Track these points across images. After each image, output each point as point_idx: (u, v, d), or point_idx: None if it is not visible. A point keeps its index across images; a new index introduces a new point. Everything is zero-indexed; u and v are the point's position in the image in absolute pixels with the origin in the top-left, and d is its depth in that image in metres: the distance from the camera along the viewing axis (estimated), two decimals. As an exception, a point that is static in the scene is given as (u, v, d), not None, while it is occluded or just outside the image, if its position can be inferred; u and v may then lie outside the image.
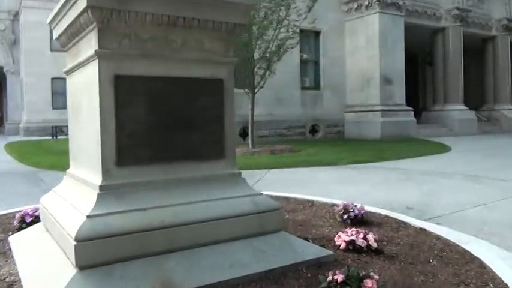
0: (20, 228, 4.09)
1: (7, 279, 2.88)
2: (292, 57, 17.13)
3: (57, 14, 3.26)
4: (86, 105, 3.04)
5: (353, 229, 3.40)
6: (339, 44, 19.72)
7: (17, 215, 4.30)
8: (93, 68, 2.83)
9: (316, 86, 19.45)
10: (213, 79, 3.17)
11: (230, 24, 3.16)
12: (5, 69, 28.02)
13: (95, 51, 2.76)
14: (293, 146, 13.94)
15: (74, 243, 2.53)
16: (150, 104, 2.93)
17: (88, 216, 2.62)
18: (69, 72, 3.45)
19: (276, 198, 5.81)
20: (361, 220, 4.13)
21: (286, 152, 12.54)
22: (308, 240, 3.53)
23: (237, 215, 3.06)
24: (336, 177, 8.45)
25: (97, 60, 2.77)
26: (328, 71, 19.39)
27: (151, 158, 2.94)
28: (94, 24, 2.75)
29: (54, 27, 3.49)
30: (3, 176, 9.18)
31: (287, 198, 5.74)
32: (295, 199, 5.67)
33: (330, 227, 4.04)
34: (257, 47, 12.56)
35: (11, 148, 15.61)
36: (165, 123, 2.99)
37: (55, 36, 3.49)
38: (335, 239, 3.41)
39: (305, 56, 19.09)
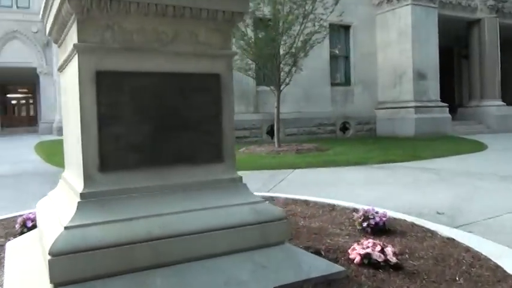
0: (21, 233, 3.93)
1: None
2: (322, 53, 16.65)
3: (45, 8, 3.03)
4: (71, 105, 2.80)
5: (370, 240, 3.02)
6: (370, 39, 19.05)
7: (19, 219, 4.14)
8: (75, 64, 2.58)
9: (347, 82, 18.87)
10: (209, 74, 2.86)
11: (227, 13, 2.84)
12: (38, 71, 28.72)
13: (74, 45, 2.51)
14: (321, 144, 13.50)
15: (49, 257, 2.28)
16: (137, 103, 2.65)
17: (66, 228, 2.37)
18: (60, 69, 3.22)
19: (295, 201, 5.49)
20: (382, 228, 3.74)
21: (313, 151, 12.13)
22: (320, 253, 3.18)
23: (236, 225, 2.74)
24: (362, 178, 8.01)
25: (77, 55, 2.51)
26: (359, 67, 18.77)
27: (138, 162, 2.67)
28: (74, 15, 2.50)
29: (46, 23, 3.27)
30: (25, 176, 9.21)
31: (307, 202, 5.39)
32: (315, 203, 5.31)
33: (347, 236, 3.67)
34: (282, 42, 12.19)
35: (41, 147, 15.86)
36: (154, 124, 2.71)
37: (47, 32, 3.28)
38: (349, 251, 3.04)
39: (337, 51, 18.57)
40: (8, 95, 41.57)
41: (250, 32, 12.52)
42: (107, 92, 2.57)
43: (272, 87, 12.95)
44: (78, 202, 2.48)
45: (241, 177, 2.98)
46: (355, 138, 17.40)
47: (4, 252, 3.46)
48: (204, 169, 2.86)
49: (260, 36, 12.58)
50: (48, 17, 3.11)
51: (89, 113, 2.53)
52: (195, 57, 2.81)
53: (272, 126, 14.73)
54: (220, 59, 2.90)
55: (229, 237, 2.71)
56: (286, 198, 5.55)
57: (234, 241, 2.73)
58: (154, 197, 2.66)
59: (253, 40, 12.35)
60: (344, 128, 18.54)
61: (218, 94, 2.89)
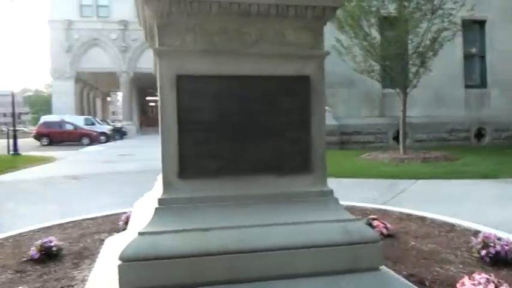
0: (123, 230, 4.11)
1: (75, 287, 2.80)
2: (453, 52, 15.16)
3: (137, 15, 3.08)
4: (159, 109, 2.79)
5: (483, 275, 2.49)
6: (509, 34, 16.75)
7: (123, 216, 4.35)
8: (157, 69, 2.55)
9: (482, 83, 16.91)
10: (297, 76, 2.62)
11: (318, 9, 2.57)
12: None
13: (154, 49, 2.48)
14: (451, 153, 12.24)
15: (119, 262, 2.26)
16: (218, 108, 2.53)
17: (140, 233, 2.33)
18: (154, 74, 3.27)
19: (410, 216, 4.96)
20: (505, 259, 3.10)
21: (440, 159, 11.05)
22: (424, 283, 2.73)
23: (322, 245, 2.45)
24: (492, 194, 6.97)
25: (158, 59, 2.48)
26: (497, 67, 16.65)
27: (219, 170, 2.54)
28: (154, 19, 2.47)
29: (142, 27, 3.35)
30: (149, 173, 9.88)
31: (423, 218, 4.82)
32: (433, 220, 4.72)
33: (461, 265, 3.12)
34: (409, 41, 11.34)
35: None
36: (236, 130, 2.55)
37: (144, 39, 3.35)
38: (458, 286, 2.55)
39: (472, 49, 16.79)
40: (147, 98, 46.31)
41: (374, 32, 11.89)
42: (188, 96, 2.49)
43: (398, 90, 12.14)
44: (156, 208, 2.44)
45: (331, 191, 2.68)
46: (491, 147, 15.47)
47: (101, 248, 3.63)
48: (289, 180, 2.62)
49: (385, 35, 11.89)
50: (140, 24, 3.16)
51: (169, 118, 2.48)
52: (281, 58, 2.60)
53: (399, 132, 13.82)
54: (310, 60, 2.64)
55: (314, 258, 2.44)
56: (401, 213, 5.04)
57: (318, 262, 2.44)
58: (232, 208, 2.50)
59: (377, 40, 11.71)
60: (479, 134, 16.65)
61: (307, 98, 2.63)
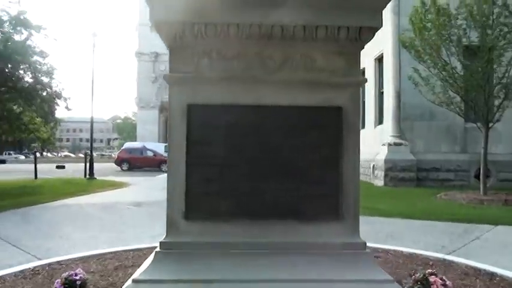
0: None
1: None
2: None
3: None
4: (168, 141, 2.54)
5: None
6: None
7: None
8: (168, 96, 2.32)
9: None
10: (327, 107, 2.26)
11: (352, 30, 2.21)
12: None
13: (163, 76, 2.26)
14: (543, 195, 10.82)
15: (110, 314, 2.00)
16: (233, 142, 2.23)
17: (134, 281, 2.07)
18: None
19: (478, 272, 4.21)
20: None
21: (528, 203, 9.76)
22: None
23: (348, 310, 2.03)
24: None
25: (168, 86, 2.25)
26: None
27: (231, 212, 2.22)
28: (167, 42, 2.26)
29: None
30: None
31: (493, 276, 4.06)
32: (503, 278, 3.96)
33: None
34: (493, 72, 10.36)
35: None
36: (252, 167, 2.23)
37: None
38: None
39: None
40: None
41: (455, 62, 11.06)
42: (199, 127, 2.22)
43: (479, 124, 11.09)
44: (156, 252, 2.17)
45: (364, 243, 2.24)
46: None
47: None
48: (313, 228, 2.23)
49: (466, 65, 11.00)
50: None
51: (178, 150, 2.22)
52: (308, 86, 2.26)
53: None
54: (342, 89, 2.27)
55: (336, 325, 2.01)
56: (468, 266, 4.32)
57: (342, 331, 2.01)
58: (244, 257, 2.16)
59: (457, 70, 10.85)
60: None
61: (338, 133, 2.25)
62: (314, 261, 2.15)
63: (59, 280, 3.41)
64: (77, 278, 3.44)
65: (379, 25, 2.22)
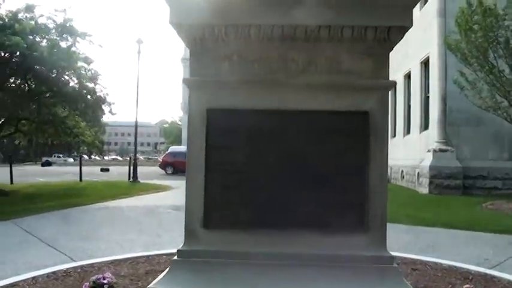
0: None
1: None
2: None
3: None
4: (187, 147, 2.48)
5: None
6: None
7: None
8: (188, 101, 2.26)
9: None
10: (353, 112, 2.13)
11: (380, 30, 2.08)
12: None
13: (183, 80, 2.20)
14: None
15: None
16: (254, 147, 2.14)
17: (150, 290, 2.01)
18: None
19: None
20: None
21: None
22: None
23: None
24: None
25: (189, 91, 2.19)
26: None
27: (251, 221, 2.13)
28: (188, 46, 2.20)
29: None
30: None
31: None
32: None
33: None
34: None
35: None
36: (273, 175, 2.13)
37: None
38: None
39: None
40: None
41: (502, 64, 10.50)
42: (219, 133, 2.15)
43: (529, 130, 10.47)
44: (173, 261, 2.11)
45: (392, 257, 2.09)
46: None
47: None
48: (337, 240, 2.10)
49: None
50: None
51: (197, 156, 2.16)
52: (333, 90, 2.13)
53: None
54: (370, 92, 2.14)
55: None
56: (510, 282, 4.02)
57: None
58: (263, 268, 2.06)
59: (505, 74, 10.29)
60: None
61: (364, 139, 2.12)
62: (336, 275, 2.02)
63: (87, 283, 3.43)
64: (105, 281, 3.45)
65: (409, 24, 2.07)
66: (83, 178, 15.84)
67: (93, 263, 4.44)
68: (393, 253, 2.23)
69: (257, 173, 2.13)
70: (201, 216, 2.13)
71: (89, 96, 11.15)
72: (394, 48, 2.21)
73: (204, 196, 2.13)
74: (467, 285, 3.50)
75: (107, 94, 11.90)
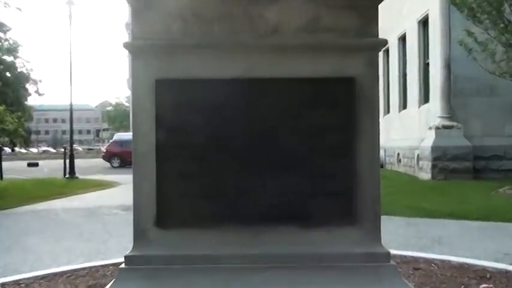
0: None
1: None
2: None
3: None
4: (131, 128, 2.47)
5: None
6: None
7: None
8: (131, 71, 2.25)
9: None
10: (336, 78, 2.16)
11: (367, -23, 2.11)
12: None
13: (124, 44, 2.18)
14: None
15: None
16: (217, 126, 2.16)
17: (92, 307, 2.02)
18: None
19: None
20: None
21: None
22: None
23: None
24: None
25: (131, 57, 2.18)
26: None
27: (216, 216, 2.16)
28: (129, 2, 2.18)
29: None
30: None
31: None
32: None
33: None
34: None
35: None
36: (242, 158, 2.16)
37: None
38: None
39: None
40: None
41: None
42: (172, 109, 2.15)
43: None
44: (119, 269, 2.12)
45: (387, 253, 2.15)
46: None
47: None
48: (321, 234, 2.15)
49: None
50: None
51: (144, 140, 2.15)
52: (311, 52, 2.17)
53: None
54: (355, 54, 2.17)
55: None
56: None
57: None
58: (233, 273, 2.09)
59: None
60: None
61: (350, 110, 2.16)
62: (321, 277, 2.07)
63: (15, 303, 3.40)
64: (36, 301, 3.43)
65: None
66: (3, 176, 15.53)
67: (18, 280, 4.39)
68: (391, 251, 2.30)
69: (222, 157, 2.15)
70: (153, 214, 2.14)
71: (7, 73, 10.87)
72: (385, 3, 2.25)
73: (156, 188, 2.14)
74: (485, 285, 3.64)
75: (31, 70, 11.70)
